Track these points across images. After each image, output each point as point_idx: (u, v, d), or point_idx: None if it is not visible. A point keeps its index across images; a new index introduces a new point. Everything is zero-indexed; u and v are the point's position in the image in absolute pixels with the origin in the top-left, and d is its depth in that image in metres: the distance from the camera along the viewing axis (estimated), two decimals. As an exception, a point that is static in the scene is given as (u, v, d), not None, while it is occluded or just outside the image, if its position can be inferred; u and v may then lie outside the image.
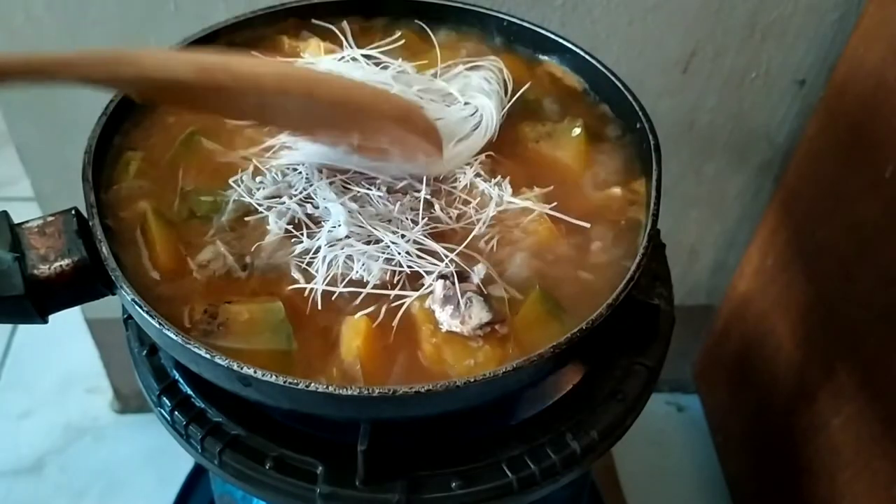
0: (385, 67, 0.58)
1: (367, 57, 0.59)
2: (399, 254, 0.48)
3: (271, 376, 0.40)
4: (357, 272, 0.47)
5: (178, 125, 0.57)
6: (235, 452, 0.48)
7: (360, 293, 0.47)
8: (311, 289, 0.47)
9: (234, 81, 0.45)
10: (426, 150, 0.51)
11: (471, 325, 0.45)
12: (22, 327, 1.26)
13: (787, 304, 0.95)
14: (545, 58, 0.64)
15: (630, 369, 0.52)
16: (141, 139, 0.56)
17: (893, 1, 0.76)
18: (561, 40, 0.63)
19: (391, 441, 0.46)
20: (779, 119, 0.93)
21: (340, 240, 0.48)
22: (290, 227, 0.50)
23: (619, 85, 0.58)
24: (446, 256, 0.47)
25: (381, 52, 0.59)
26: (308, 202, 0.51)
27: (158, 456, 1.13)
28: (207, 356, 0.41)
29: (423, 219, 0.50)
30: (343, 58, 0.59)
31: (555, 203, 0.52)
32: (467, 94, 0.58)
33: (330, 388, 0.40)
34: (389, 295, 0.47)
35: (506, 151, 0.56)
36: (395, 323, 0.46)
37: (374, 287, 0.47)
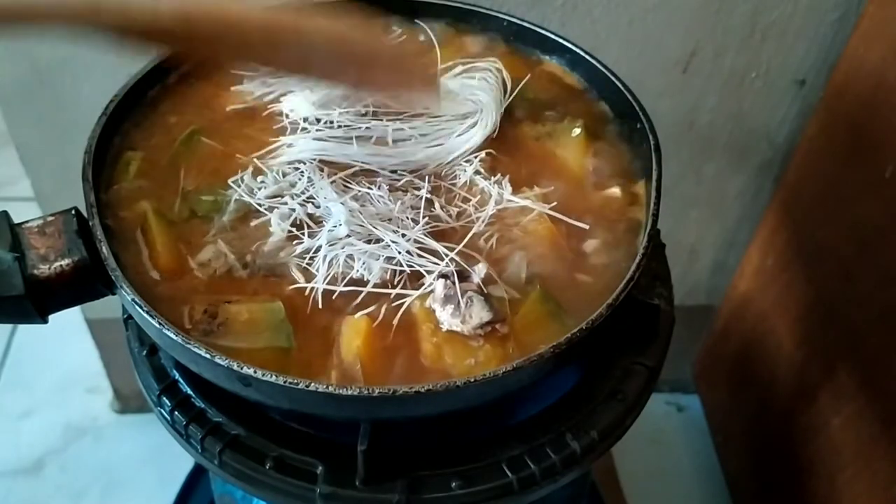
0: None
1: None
2: (399, 253, 0.48)
3: (271, 376, 0.40)
4: (357, 271, 0.47)
5: (178, 125, 0.57)
6: (235, 452, 0.48)
7: (361, 292, 0.47)
8: (312, 288, 0.47)
9: (221, 29, 0.45)
10: (421, 86, 0.51)
11: (471, 324, 0.45)
12: (22, 327, 1.26)
13: (787, 304, 0.95)
14: (545, 57, 0.64)
15: (630, 369, 0.52)
16: (141, 139, 0.56)
17: (893, 1, 0.76)
18: (561, 40, 0.63)
19: (391, 441, 0.46)
20: (779, 119, 0.93)
21: (341, 239, 0.48)
22: (291, 227, 0.50)
23: (619, 85, 0.58)
24: (446, 255, 0.48)
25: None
26: (309, 202, 0.51)
27: (158, 456, 1.13)
28: (207, 356, 0.41)
29: (423, 217, 0.50)
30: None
31: (554, 203, 0.52)
32: (467, 92, 0.58)
33: (330, 388, 0.40)
34: (390, 294, 0.47)
35: (506, 150, 0.56)
36: (395, 322, 0.46)
37: (375, 286, 0.47)
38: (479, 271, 0.47)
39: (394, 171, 0.54)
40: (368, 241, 0.48)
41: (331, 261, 0.48)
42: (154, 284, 0.47)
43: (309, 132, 0.56)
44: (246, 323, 0.45)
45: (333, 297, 0.47)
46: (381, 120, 0.56)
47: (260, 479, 0.48)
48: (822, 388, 0.87)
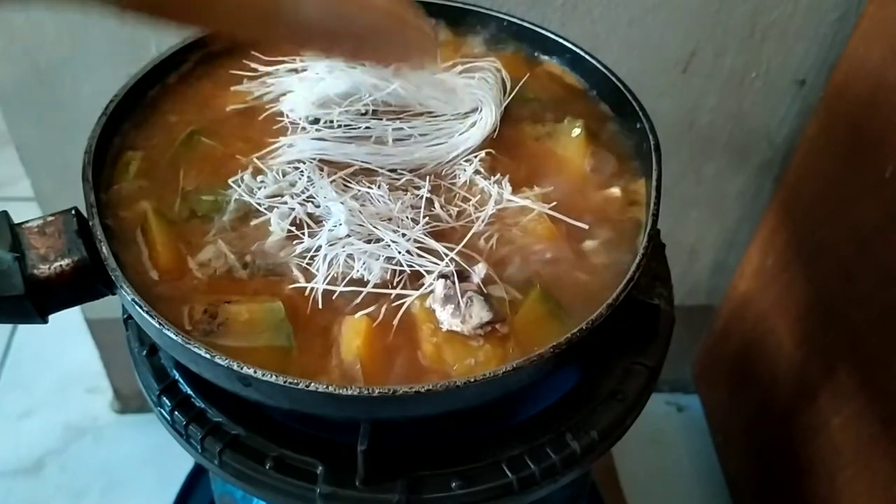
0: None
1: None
2: (399, 253, 0.48)
3: (271, 376, 0.40)
4: (357, 271, 0.47)
5: (178, 124, 0.57)
6: (235, 452, 0.48)
7: (361, 293, 0.47)
8: (312, 288, 0.47)
9: None
10: (417, 44, 0.51)
11: (471, 324, 0.45)
12: (22, 327, 1.26)
13: (787, 304, 0.95)
14: (545, 58, 0.64)
15: (630, 369, 0.52)
16: (141, 139, 0.56)
17: (893, 1, 0.76)
18: (561, 40, 0.63)
19: (391, 441, 0.46)
20: (779, 119, 0.93)
21: (341, 239, 0.48)
22: (291, 227, 0.50)
23: (619, 85, 0.58)
24: (446, 255, 0.48)
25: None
26: (309, 201, 0.51)
27: (158, 456, 1.13)
28: (207, 356, 0.41)
29: (423, 217, 0.50)
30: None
31: (554, 203, 0.52)
32: (466, 91, 0.58)
33: (330, 388, 0.40)
34: (390, 294, 0.47)
35: (506, 150, 0.56)
36: (395, 322, 0.46)
37: (375, 286, 0.47)
38: (479, 271, 0.47)
39: (393, 171, 0.54)
40: (368, 241, 0.48)
41: (331, 261, 0.48)
42: (154, 284, 0.47)
43: (309, 132, 0.56)
44: (246, 323, 0.45)
45: (333, 297, 0.47)
46: (381, 119, 0.56)
47: (260, 479, 0.48)
48: (822, 388, 0.87)
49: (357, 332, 0.45)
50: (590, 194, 0.54)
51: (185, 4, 0.45)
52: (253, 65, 0.60)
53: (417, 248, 0.48)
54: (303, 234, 0.49)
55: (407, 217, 0.50)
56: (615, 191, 0.54)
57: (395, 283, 0.47)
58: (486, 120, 0.56)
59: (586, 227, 0.51)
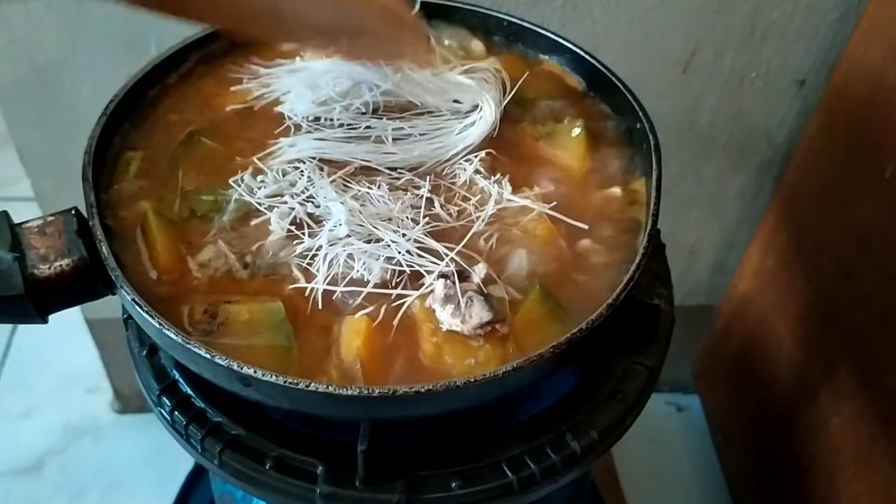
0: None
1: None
2: (399, 253, 0.48)
3: (271, 376, 0.40)
4: (357, 271, 0.47)
5: (178, 124, 0.57)
6: (235, 452, 0.48)
7: (361, 292, 0.47)
8: (312, 288, 0.47)
9: None
10: (411, 42, 0.52)
11: (471, 324, 0.45)
12: (22, 327, 1.26)
13: (787, 304, 0.95)
14: (545, 58, 0.64)
15: (630, 369, 0.52)
16: (141, 139, 0.56)
17: (893, 1, 0.76)
18: (561, 40, 0.63)
19: (391, 441, 0.46)
20: (779, 119, 0.93)
21: (341, 239, 0.48)
22: (291, 227, 0.50)
23: (619, 85, 0.58)
24: (446, 255, 0.47)
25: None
26: (309, 201, 0.51)
27: (158, 456, 1.13)
28: (207, 356, 0.41)
29: (423, 217, 0.50)
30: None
31: (554, 203, 0.52)
32: (467, 91, 0.58)
33: (330, 388, 0.40)
34: (390, 294, 0.47)
35: (506, 150, 0.56)
36: (395, 322, 0.46)
37: (375, 286, 0.47)
38: (479, 271, 0.47)
39: (393, 170, 0.54)
40: (368, 241, 0.48)
41: (331, 261, 0.48)
42: (154, 284, 0.47)
43: (309, 131, 0.56)
44: (246, 323, 0.45)
45: (333, 297, 0.47)
46: (382, 119, 0.56)
47: (260, 479, 0.48)
48: (822, 388, 0.87)
49: (357, 332, 0.45)
50: (590, 194, 0.54)
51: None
52: (253, 66, 0.60)
53: (417, 248, 0.48)
54: (303, 234, 0.49)
55: (407, 217, 0.50)
56: (615, 191, 0.54)
57: (395, 283, 0.47)
58: (487, 120, 0.56)
59: (586, 227, 0.51)
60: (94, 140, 0.52)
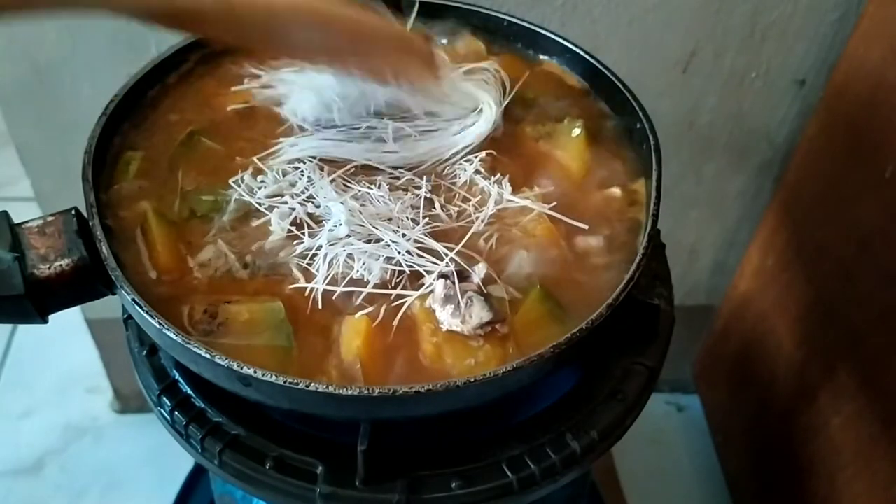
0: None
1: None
2: (399, 253, 0.48)
3: (271, 376, 0.40)
4: (357, 272, 0.47)
5: (178, 124, 0.57)
6: (235, 452, 0.48)
7: (361, 293, 0.47)
8: (312, 288, 0.47)
9: (251, 12, 0.47)
10: (421, 68, 0.53)
11: (471, 324, 0.45)
12: (22, 327, 1.26)
13: (787, 305, 0.95)
14: (545, 58, 0.64)
15: (630, 369, 0.52)
16: (141, 139, 0.56)
17: (893, 1, 0.76)
18: (561, 40, 0.63)
19: (391, 441, 0.46)
20: (779, 119, 0.93)
21: (341, 239, 0.48)
22: (291, 227, 0.50)
23: (619, 85, 0.58)
24: (446, 255, 0.47)
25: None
26: (309, 201, 0.51)
27: (158, 456, 1.13)
28: (207, 356, 0.41)
29: (423, 217, 0.50)
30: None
31: (554, 203, 0.52)
32: (467, 92, 0.58)
33: (330, 388, 0.40)
34: (390, 294, 0.47)
35: (506, 150, 0.56)
36: (395, 322, 0.46)
37: (375, 287, 0.47)
38: (479, 271, 0.47)
39: (394, 170, 0.54)
40: (368, 241, 0.48)
41: (331, 261, 0.48)
42: (154, 284, 0.47)
43: (309, 131, 0.56)
44: (246, 323, 0.45)
45: (333, 298, 0.47)
46: (383, 118, 0.56)
47: (260, 479, 0.48)
48: (822, 388, 0.87)
49: (357, 332, 0.45)
50: (590, 194, 0.54)
51: (228, 24, 0.48)
52: (254, 67, 0.60)
53: (417, 248, 0.48)
54: (303, 234, 0.49)
55: (407, 217, 0.50)
56: (615, 191, 0.54)
57: (395, 284, 0.47)
58: (487, 120, 0.56)
59: (586, 227, 0.51)
60: (94, 140, 0.52)
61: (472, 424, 0.49)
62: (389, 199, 0.51)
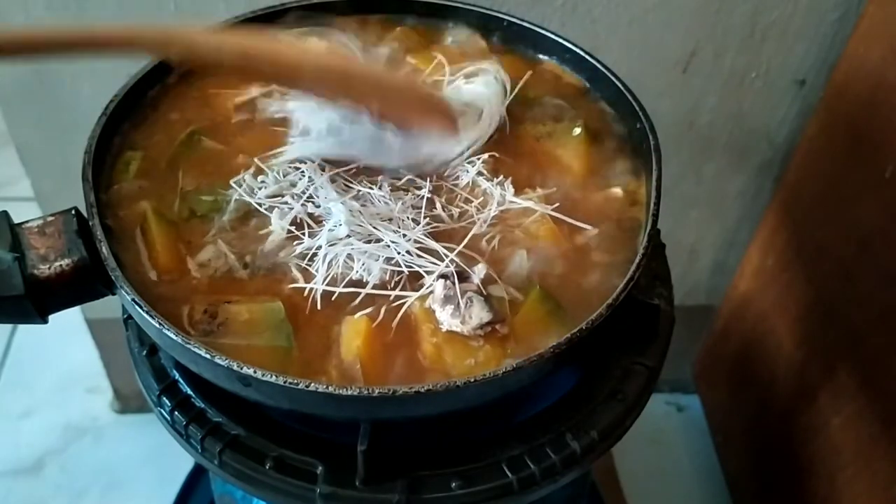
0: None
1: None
2: (399, 253, 0.48)
3: (271, 376, 0.40)
4: (357, 272, 0.47)
5: (178, 124, 0.57)
6: (235, 452, 0.48)
7: (361, 293, 0.47)
8: (312, 288, 0.47)
9: (276, 70, 0.50)
10: (445, 131, 0.54)
11: (471, 324, 0.45)
12: (22, 327, 1.26)
13: (787, 305, 0.95)
14: (545, 58, 0.64)
15: (630, 369, 0.52)
16: (141, 139, 0.56)
17: (893, 1, 0.76)
18: (561, 40, 0.63)
19: (391, 441, 0.46)
20: (779, 119, 0.93)
21: (341, 239, 0.48)
22: (291, 227, 0.50)
23: (619, 85, 0.58)
24: (446, 256, 0.47)
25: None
26: (310, 201, 0.51)
27: (158, 456, 1.13)
28: (207, 356, 0.41)
29: (424, 218, 0.50)
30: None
31: (556, 204, 0.52)
32: (469, 93, 0.58)
33: (330, 388, 0.40)
34: (390, 295, 0.47)
35: (507, 150, 0.56)
36: (395, 323, 0.46)
37: (374, 287, 0.47)
38: (479, 272, 0.47)
39: (395, 170, 0.54)
40: (368, 241, 0.48)
41: (331, 261, 0.48)
42: (154, 284, 0.47)
43: (310, 131, 0.56)
44: (246, 323, 0.45)
45: (333, 298, 0.47)
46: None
47: (260, 479, 0.48)
48: (822, 388, 0.87)
49: (357, 332, 0.45)
50: (590, 194, 0.54)
51: (246, 70, 0.52)
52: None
53: (418, 248, 0.48)
54: (303, 234, 0.49)
55: (408, 217, 0.50)
56: (615, 191, 0.54)
57: (394, 284, 0.47)
58: (488, 121, 0.56)
59: (587, 227, 0.51)
60: (94, 140, 0.52)
61: (472, 424, 0.49)
62: (390, 200, 0.51)
